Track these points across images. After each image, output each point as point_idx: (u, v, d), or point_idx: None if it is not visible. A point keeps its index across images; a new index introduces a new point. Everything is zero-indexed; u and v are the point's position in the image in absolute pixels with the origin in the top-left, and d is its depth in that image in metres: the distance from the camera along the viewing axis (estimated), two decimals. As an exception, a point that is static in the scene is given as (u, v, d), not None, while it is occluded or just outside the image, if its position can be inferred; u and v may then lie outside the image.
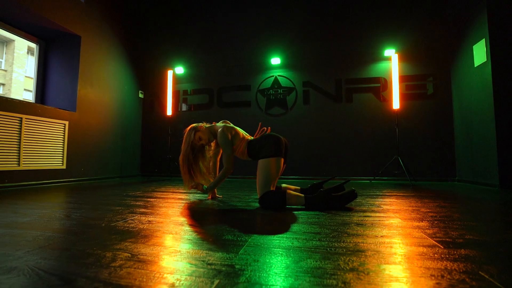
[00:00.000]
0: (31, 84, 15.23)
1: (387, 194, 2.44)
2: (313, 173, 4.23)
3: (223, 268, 0.76)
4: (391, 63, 4.00)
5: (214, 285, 0.66)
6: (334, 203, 1.64)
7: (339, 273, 0.74)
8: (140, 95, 5.03)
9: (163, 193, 2.48)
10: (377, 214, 1.52)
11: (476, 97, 3.32)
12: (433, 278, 0.70)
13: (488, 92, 3.09)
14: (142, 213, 1.51)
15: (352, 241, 1.02)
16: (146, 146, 5.00)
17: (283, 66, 4.52)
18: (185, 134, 2.07)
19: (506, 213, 1.59)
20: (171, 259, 0.83)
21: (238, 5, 4.76)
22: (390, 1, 4.17)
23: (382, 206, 1.80)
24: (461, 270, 0.75)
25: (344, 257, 0.86)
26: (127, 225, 1.25)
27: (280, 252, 0.90)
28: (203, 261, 0.82)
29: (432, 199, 2.09)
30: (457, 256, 0.86)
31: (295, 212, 1.54)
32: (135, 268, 0.76)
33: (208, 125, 2.12)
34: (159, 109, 4.99)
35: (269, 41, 4.58)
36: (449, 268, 0.77)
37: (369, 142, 4.08)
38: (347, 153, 4.16)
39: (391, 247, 0.95)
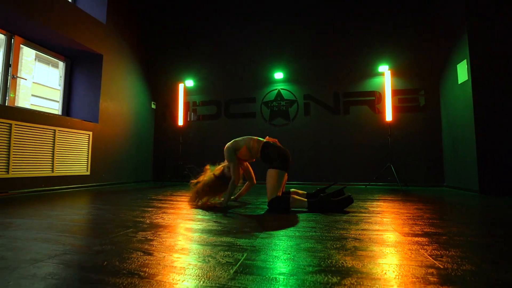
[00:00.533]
0: (40, 90, 15.77)
1: (376, 198, 2.80)
2: (313, 179, 4.59)
3: (248, 247, 1.13)
4: (384, 78, 4.39)
5: (244, 257, 1.02)
6: (333, 206, 1.98)
7: (326, 250, 1.10)
8: (153, 106, 5.44)
9: (181, 197, 2.85)
10: (363, 214, 1.88)
11: (460, 111, 3.69)
12: (385, 252, 1.06)
13: (469, 108, 3.46)
14: (171, 213, 1.88)
15: (338, 232, 1.38)
16: (158, 154, 5.38)
17: (285, 80, 4.92)
18: (207, 175, 2.35)
19: (468, 214, 1.94)
20: (214, 241, 1.20)
21: (244, 23, 5.18)
22: (383, 21, 4.57)
23: (369, 208, 2.16)
24: (409, 248, 1.11)
25: (331, 241, 1.22)
26: (165, 222, 1.62)
27: (285, 239, 1.26)
28: (233, 243, 1.18)
29: (414, 203, 2.45)
30: (408, 241, 1.22)
31: (298, 214, 1.90)
32: (211, 234, 1.13)
33: (220, 168, 2.42)
34: (170, 119, 5.39)
35: (273, 56, 4.98)
36: (399, 246, 1.13)
37: (364, 151, 4.44)
38: (345, 161, 4.52)
39: (368, 236, 1.31)
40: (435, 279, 0.81)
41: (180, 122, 5.11)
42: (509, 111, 3.28)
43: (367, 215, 1.87)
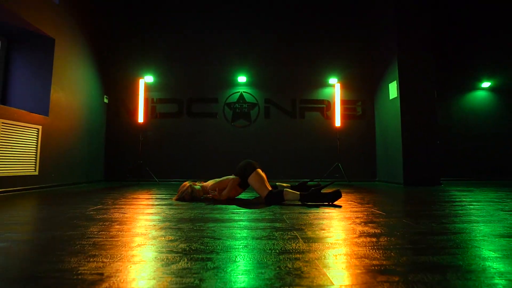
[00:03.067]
0: None
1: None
2: (273, 176, 5.01)
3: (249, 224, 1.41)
4: (334, 89, 5.12)
5: (244, 232, 1.30)
6: (323, 199, 2.28)
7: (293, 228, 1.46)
8: (105, 100, 5.04)
9: (164, 195, 2.88)
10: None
11: (390, 121, 4.62)
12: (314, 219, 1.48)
13: (397, 119, 4.38)
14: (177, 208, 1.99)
15: (298, 211, 1.77)
16: (110, 152, 5.02)
17: (248, 84, 5.23)
18: (184, 189, 2.49)
19: (397, 197, 2.60)
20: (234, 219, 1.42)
21: (210, 24, 5.28)
22: (334, 40, 5.31)
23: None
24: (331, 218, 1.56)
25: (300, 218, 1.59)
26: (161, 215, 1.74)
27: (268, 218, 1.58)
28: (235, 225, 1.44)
29: (355, 192, 3.07)
30: (337, 214, 1.68)
31: (289, 205, 2.24)
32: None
33: (200, 185, 2.60)
34: (126, 115, 5.09)
35: (237, 60, 5.23)
36: (326, 215, 1.57)
37: (316, 151, 5.09)
38: (300, 160, 5.09)
39: (320, 214, 1.73)
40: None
41: (141, 119, 4.89)
42: (426, 121, 4.30)
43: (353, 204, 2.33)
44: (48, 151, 3.65)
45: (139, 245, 1.10)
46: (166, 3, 5.31)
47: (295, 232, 1.31)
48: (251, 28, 5.30)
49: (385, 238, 1.19)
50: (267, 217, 1.69)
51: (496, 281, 0.77)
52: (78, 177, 4.29)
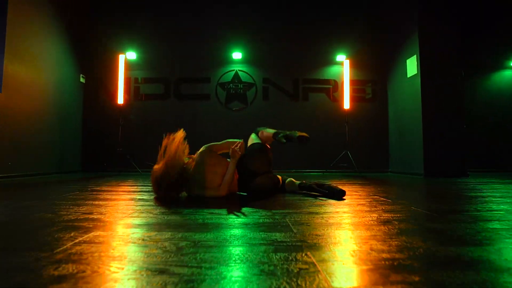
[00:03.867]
0: None
1: (342, 183, 2.77)
2: (274, 166, 4.42)
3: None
4: (343, 67, 4.48)
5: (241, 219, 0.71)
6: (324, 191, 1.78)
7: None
8: (82, 80, 4.41)
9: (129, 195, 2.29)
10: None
11: (408, 102, 4.00)
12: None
13: (417, 100, 3.76)
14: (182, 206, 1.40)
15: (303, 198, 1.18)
16: (88, 139, 4.42)
17: (244, 61, 4.58)
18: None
19: (413, 189, 2.02)
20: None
21: (199, -6, 4.60)
22: (341, 12, 4.64)
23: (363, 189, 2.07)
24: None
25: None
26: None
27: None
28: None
29: (371, 184, 2.48)
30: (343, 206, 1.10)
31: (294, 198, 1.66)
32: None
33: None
34: (106, 96, 4.47)
35: (231, 34, 4.57)
36: (323, 208, 0.99)
37: (322, 138, 4.48)
38: (303, 148, 4.48)
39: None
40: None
41: (120, 100, 4.26)
42: (451, 103, 3.68)
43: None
44: (2, 135, 3.04)
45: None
46: (150, -32, 4.61)
47: (309, 253, 0.72)
48: (247, -3, 4.62)
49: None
50: (263, 220, 1.10)
51: None
52: (47, 166, 3.70)
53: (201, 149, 1.76)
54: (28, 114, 3.39)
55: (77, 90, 4.34)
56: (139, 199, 1.68)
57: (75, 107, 4.31)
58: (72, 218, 1.12)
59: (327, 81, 4.60)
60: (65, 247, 0.75)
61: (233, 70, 4.57)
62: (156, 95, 4.51)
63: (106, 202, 1.54)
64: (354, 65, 4.60)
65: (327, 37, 4.61)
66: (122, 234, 0.90)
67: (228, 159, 1.79)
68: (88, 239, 0.83)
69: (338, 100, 4.56)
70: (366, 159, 4.47)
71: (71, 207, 1.36)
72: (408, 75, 4.00)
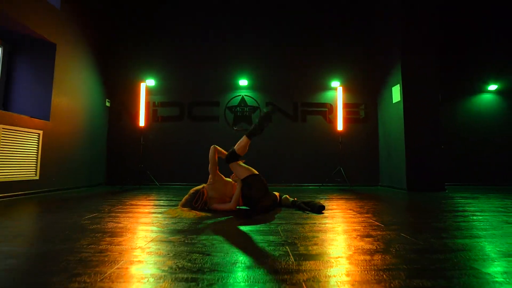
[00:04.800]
0: None
1: (333, 197, 3.30)
2: (273, 180, 4.97)
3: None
4: (337, 92, 5.06)
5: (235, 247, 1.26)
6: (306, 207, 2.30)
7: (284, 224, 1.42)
8: (107, 104, 5.06)
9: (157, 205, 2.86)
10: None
11: (394, 124, 4.55)
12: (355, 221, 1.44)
13: (401, 123, 4.31)
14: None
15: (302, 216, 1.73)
16: (112, 155, 5.04)
17: (249, 87, 5.20)
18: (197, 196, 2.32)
19: (402, 203, 2.54)
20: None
21: (211, 27, 5.26)
22: (336, 42, 5.25)
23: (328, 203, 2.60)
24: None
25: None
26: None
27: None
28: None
29: (357, 199, 3.01)
30: (334, 225, 1.63)
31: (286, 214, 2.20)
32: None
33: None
34: (128, 118, 5.10)
35: (238, 63, 5.21)
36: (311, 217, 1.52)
37: (319, 156, 5.03)
38: (301, 164, 5.04)
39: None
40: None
41: (142, 123, 4.89)
42: (430, 126, 4.21)
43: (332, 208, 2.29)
44: (49, 156, 3.67)
45: (125, 262, 1.07)
46: (168, 7, 5.31)
47: (287, 247, 1.27)
48: (253, 31, 5.27)
49: (380, 256, 1.15)
50: (261, 228, 1.66)
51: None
52: (79, 181, 4.31)
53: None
54: (66, 136, 4.03)
55: (103, 113, 4.99)
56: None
57: (101, 128, 4.94)
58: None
59: (323, 105, 5.18)
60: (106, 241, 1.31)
61: (240, 95, 5.18)
62: (172, 117, 5.13)
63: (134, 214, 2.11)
64: (348, 89, 5.17)
65: (323, 65, 5.21)
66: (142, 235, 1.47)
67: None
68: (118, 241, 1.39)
69: (333, 121, 5.12)
70: (359, 174, 5.00)
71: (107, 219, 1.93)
72: (394, 101, 4.55)
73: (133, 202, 2.76)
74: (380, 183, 4.99)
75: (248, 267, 1.02)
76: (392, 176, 4.61)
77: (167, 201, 2.86)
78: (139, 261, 1.09)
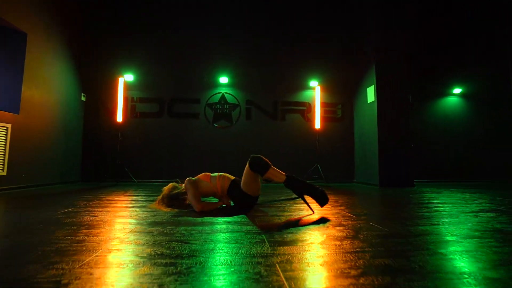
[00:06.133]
0: None
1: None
2: (253, 178, 5.04)
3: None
4: (315, 92, 5.22)
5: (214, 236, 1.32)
6: (312, 191, 1.90)
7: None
8: (83, 98, 4.88)
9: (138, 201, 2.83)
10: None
11: (368, 124, 4.77)
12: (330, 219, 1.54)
13: (374, 122, 4.53)
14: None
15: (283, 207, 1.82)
16: (88, 152, 4.87)
17: (230, 84, 5.22)
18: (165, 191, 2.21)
19: (374, 199, 2.70)
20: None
21: (192, 23, 5.23)
22: (315, 42, 5.40)
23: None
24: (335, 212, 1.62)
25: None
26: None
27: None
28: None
29: (331, 194, 3.15)
30: (309, 217, 1.74)
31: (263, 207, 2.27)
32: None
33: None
34: (105, 114, 4.95)
35: (219, 60, 5.21)
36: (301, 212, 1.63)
37: (297, 153, 5.16)
38: (280, 161, 5.11)
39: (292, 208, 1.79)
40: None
41: (119, 118, 4.77)
42: (401, 125, 4.47)
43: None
44: (19, 151, 3.49)
45: (103, 251, 1.09)
46: (147, 1, 5.20)
47: (263, 235, 1.33)
48: (233, 29, 5.30)
49: (349, 241, 1.24)
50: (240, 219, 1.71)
51: (436, 282, 0.83)
52: (52, 177, 4.13)
53: (185, 182, 2.12)
54: (39, 131, 3.85)
55: (78, 108, 4.81)
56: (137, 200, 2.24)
57: (76, 123, 4.76)
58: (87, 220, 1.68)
59: (302, 103, 5.32)
60: (81, 234, 1.33)
61: (220, 92, 5.20)
62: (152, 113, 5.05)
63: (109, 208, 2.09)
64: (326, 89, 5.35)
65: (302, 65, 5.35)
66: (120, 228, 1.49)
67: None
68: (95, 232, 1.41)
69: (311, 120, 5.28)
70: (335, 171, 5.19)
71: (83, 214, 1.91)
72: (368, 101, 4.77)
73: (110, 198, 2.71)
74: (355, 179, 5.21)
75: (226, 253, 1.07)
76: (366, 173, 4.83)
77: (145, 197, 2.83)
78: (118, 250, 1.10)
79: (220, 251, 1.10)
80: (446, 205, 2.35)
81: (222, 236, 1.32)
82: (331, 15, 5.50)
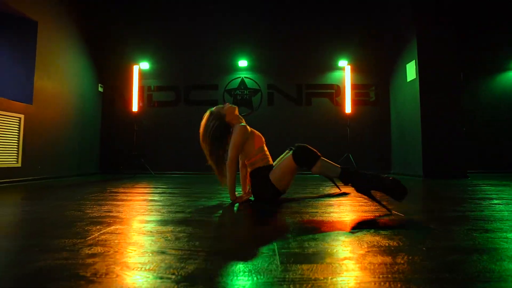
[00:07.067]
0: None
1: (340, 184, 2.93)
2: (276, 169, 4.63)
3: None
4: (344, 72, 4.63)
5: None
6: (381, 184, 1.41)
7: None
8: (100, 89, 4.78)
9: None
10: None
11: (408, 106, 4.11)
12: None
13: (416, 103, 3.87)
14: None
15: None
16: (106, 143, 4.77)
17: (249, 68, 4.81)
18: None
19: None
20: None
21: (207, 7, 4.87)
22: (343, 18, 4.79)
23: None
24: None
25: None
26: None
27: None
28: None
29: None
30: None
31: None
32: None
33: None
34: (121, 104, 4.82)
35: (237, 43, 4.82)
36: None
37: (325, 141, 4.63)
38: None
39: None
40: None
41: (135, 108, 4.60)
42: (450, 106, 3.78)
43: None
44: (33, 142, 3.41)
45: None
46: (161, -17, 4.93)
47: (274, 244, 0.93)
48: (252, 8, 4.85)
49: (405, 257, 0.80)
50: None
51: None
52: (68, 169, 4.06)
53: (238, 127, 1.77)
54: (53, 122, 3.76)
55: (95, 99, 4.71)
56: (151, 199, 1.93)
57: (94, 114, 4.67)
58: (97, 215, 1.38)
59: (330, 86, 4.76)
60: (93, 235, 1.00)
61: (239, 77, 4.81)
62: (168, 102, 4.82)
63: (125, 202, 1.80)
64: (357, 70, 4.73)
65: (329, 44, 4.77)
66: (136, 227, 1.15)
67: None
68: (110, 231, 1.08)
69: (340, 104, 4.71)
70: (368, 161, 4.60)
71: (95, 206, 1.63)
72: (408, 79, 4.11)
73: (120, 190, 2.47)
74: (393, 170, 4.58)
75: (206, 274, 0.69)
76: (406, 163, 4.20)
77: (154, 193, 2.56)
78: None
79: (199, 268, 0.72)
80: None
81: (210, 242, 0.94)
82: (362, -17, 4.82)
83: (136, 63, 4.74)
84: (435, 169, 3.68)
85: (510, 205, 1.64)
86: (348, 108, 4.49)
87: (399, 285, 0.61)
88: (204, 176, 4.11)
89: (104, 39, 4.82)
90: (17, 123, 3.23)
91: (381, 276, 0.66)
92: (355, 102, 4.69)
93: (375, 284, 0.62)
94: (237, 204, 1.75)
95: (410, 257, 0.79)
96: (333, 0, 4.82)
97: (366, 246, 0.89)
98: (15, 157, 3.21)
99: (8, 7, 3.20)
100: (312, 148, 1.70)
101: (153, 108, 4.81)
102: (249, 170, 1.85)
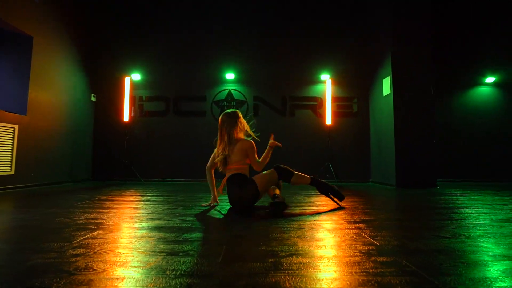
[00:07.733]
0: None
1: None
2: (261, 177, 4.85)
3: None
4: (326, 86, 4.91)
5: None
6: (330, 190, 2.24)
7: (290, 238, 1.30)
8: (93, 99, 4.97)
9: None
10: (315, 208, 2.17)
11: (384, 119, 4.39)
12: (335, 235, 1.31)
13: (390, 117, 4.15)
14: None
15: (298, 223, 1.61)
16: (98, 151, 4.95)
17: (236, 81, 5.06)
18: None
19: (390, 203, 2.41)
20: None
21: (197, 20, 5.13)
22: (326, 34, 5.08)
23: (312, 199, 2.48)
24: (353, 232, 1.38)
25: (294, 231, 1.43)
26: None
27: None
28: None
29: (349, 196, 2.88)
30: (351, 227, 1.50)
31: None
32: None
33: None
34: (113, 113, 5.01)
35: (225, 56, 5.07)
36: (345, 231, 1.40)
37: (307, 151, 4.89)
38: (290, 160, 4.87)
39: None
40: (375, 253, 1.07)
41: (126, 117, 4.80)
42: (422, 119, 4.05)
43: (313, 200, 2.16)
44: (26, 151, 3.58)
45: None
46: (152, 1, 5.18)
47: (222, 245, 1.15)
48: (239, 23, 5.12)
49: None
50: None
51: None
52: (61, 176, 4.23)
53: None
54: (47, 131, 3.94)
55: (88, 108, 4.90)
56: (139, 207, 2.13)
57: (87, 123, 4.85)
58: (83, 222, 1.58)
59: (313, 98, 5.03)
60: (78, 240, 1.20)
61: (227, 89, 5.06)
62: (158, 112, 5.03)
63: (110, 210, 2.00)
64: (339, 83, 5.01)
65: (312, 58, 5.05)
66: (115, 233, 1.36)
67: None
68: (93, 236, 1.28)
69: (322, 116, 4.97)
70: (348, 170, 4.85)
71: (82, 214, 1.83)
72: (384, 94, 4.39)
73: (108, 197, 2.66)
74: (371, 179, 4.84)
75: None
76: (383, 172, 4.46)
77: (141, 199, 2.75)
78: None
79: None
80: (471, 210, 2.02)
81: (172, 245, 1.15)
82: (342, 4, 5.14)
83: (128, 74, 4.96)
84: (407, 178, 3.94)
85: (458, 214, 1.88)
86: (328, 120, 4.75)
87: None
88: (190, 184, 4.31)
89: (97, 52, 5.04)
90: (11, 133, 3.40)
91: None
92: (337, 114, 4.95)
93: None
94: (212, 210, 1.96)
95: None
96: (316, 18, 5.11)
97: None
98: (9, 165, 3.37)
99: (4, 22, 3.40)
100: (287, 167, 2.20)
101: (144, 118, 5.01)
102: (238, 172, 2.16)
